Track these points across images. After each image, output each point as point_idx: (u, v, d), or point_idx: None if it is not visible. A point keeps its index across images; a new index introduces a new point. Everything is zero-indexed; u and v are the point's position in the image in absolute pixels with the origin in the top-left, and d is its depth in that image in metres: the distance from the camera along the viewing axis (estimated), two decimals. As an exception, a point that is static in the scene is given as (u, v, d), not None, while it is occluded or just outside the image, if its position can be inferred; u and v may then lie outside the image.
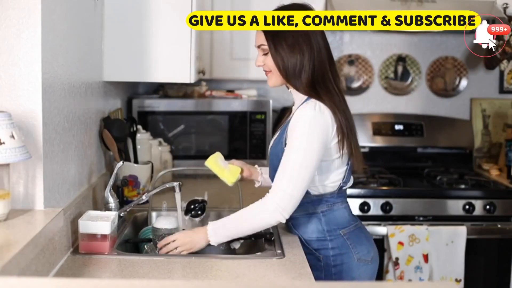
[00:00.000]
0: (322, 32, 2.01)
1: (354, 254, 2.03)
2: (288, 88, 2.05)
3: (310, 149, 1.88)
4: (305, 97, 1.97)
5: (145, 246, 2.14)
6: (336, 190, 2.03)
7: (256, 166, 2.26)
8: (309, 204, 2.02)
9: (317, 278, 1.94)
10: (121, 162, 2.22)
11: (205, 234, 1.94)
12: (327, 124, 1.92)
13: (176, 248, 1.95)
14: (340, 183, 2.03)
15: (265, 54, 2.00)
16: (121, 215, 2.16)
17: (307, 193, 2.00)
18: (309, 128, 1.89)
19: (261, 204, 1.91)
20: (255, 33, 2.03)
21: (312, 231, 2.04)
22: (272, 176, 2.02)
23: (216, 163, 2.15)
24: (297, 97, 2.02)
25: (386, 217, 3.04)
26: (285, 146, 1.95)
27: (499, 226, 3.08)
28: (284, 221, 1.91)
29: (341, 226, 2.04)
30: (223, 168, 2.14)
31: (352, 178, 2.10)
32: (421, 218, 3.07)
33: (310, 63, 1.94)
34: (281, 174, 1.90)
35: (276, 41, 1.96)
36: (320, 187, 2.01)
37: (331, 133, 1.93)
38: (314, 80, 1.95)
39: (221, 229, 1.94)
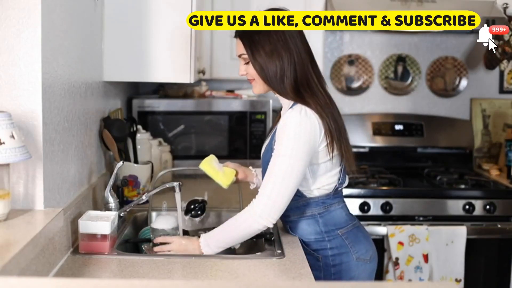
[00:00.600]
0: (302, 35, 1.99)
1: (353, 253, 2.03)
2: (274, 93, 2.04)
3: (295, 155, 1.88)
4: (292, 102, 1.96)
5: (143, 246, 2.13)
6: (332, 192, 2.03)
7: (250, 167, 2.26)
8: (306, 207, 2.02)
9: (316, 278, 1.94)
10: (121, 162, 2.22)
11: (199, 246, 1.94)
12: (314, 128, 1.91)
13: (169, 251, 1.96)
14: (336, 185, 2.03)
15: (247, 63, 1.99)
16: (121, 215, 2.16)
17: (303, 196, 2.00)
18: (295, 134, 1.88)
19: (247, 211, 1.91)
20: (235, 42, 2.02)
21: (310, 233, 2.04)
22: None
23: (210, 165, 2.14)
24: (284, 102, 2.02)
25: (386, 217, 3.04)
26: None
27: (499, 226, 3.08)
28: (271, 226, 1.90)
29: (339, 226, 2.04)
30: (218, 171, 2.13)
31: (347, 178, 2.10)
32: (421, 218, 3.07)
33: (291, 68, 1.93)
34: (267, 180, 1.90)
35: (253, 49, 1.94)
36: (315, 190, 2.01)
37: (319, 137, 1.92)
38: (298, 84, 1.95)
39: (213, 241, 1.93)
